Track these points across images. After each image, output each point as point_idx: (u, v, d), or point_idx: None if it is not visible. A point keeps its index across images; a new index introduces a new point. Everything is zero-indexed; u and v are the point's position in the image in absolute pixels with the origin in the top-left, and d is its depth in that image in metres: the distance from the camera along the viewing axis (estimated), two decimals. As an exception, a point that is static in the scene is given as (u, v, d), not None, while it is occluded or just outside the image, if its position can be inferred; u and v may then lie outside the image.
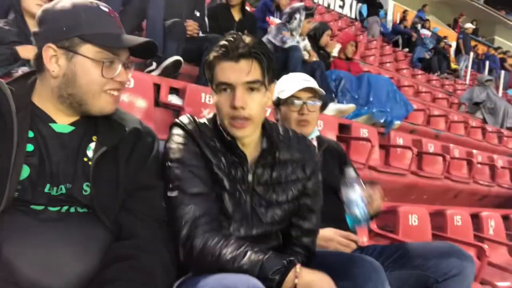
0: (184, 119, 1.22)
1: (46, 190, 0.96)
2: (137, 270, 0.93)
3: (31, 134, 0.99)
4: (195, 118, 1.24)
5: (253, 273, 0.97)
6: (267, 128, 1.26)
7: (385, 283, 1.15)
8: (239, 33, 1.16)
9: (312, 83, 1.76)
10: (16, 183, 0.93)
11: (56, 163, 0.99)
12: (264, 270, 0.98)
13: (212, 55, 1.16)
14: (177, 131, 1.20)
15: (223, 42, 1.14)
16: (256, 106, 1.14)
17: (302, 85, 1.71)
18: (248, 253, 1.01)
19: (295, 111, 1.72)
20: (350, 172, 1.57)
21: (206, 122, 1.24)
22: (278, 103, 1.78)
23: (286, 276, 0.98)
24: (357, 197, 1.46)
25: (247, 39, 1.14)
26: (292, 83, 1.74)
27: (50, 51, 1.00)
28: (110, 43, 1.03)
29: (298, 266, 1.00)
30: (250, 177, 1.21)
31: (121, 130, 1.07)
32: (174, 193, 1.11)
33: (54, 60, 1.00)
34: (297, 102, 1.71)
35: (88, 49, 1.00)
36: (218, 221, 1.11)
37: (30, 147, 0.97)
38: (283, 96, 1.73)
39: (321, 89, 1.74)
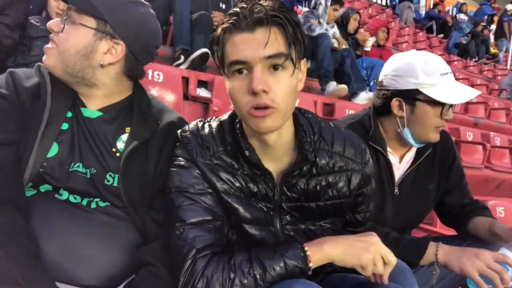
0: (187, 134, 1.01)
1: (71, 168, 0.97)
2: (154, 276, 0.92)
3: (69, 114, 1.02)
4: (204, 125, 1.03)
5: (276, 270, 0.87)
6: (301, 124, 0.99)
7: (414, 286, 1.08)
8: None
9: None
10: (42, 158, 0.95)
11: (83, 146, 1.00)
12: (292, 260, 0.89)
13: (220, 27, 0.89)
14: (178, 150, 1.01)
15: (234, 9, 0.88)
16: (282, 90, 0.87)
17: (470, 93, 1.34)
18: (253, 259, 0.89)
19: (438, 116, 1.35)
20: None
21: (216, 129, 1.01)
22: (411, 96, 1.35)
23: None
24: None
25: (265, 1, 0.87)
26: (445, 78, 1.33)
27: None
28: None
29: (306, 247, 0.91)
30: (276, 195, 1.00)
31: (154, 124, 1.05)
32: (173, 224, 0.94)
33: None
34: (447, 106, 1.34)
35: None
36: (222, 247, 0.94)
37: (65, 126, 1.00)
38: (438, 95, 1.31)
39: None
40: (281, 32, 0.86)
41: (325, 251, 0.90)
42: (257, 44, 0.84)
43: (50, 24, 1.02)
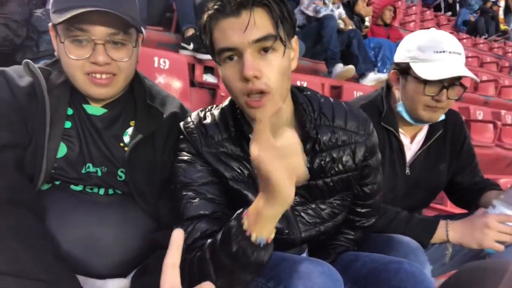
0: (189, 125, 1.00)
1: (83, 170, 0.97)
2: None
3: (70, 111, 0.99)
4: (206, 114, 1.02)
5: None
6: (300, 101, 0.98)
7: (425, 263, 1.09)
8: None
9: (462, 59, 1.28)
10: (53, 160, 0.93)
11: (91, 144, 0.99)
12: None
13: (205, 14, 0.87)
14: (182, 144, 1.00)
15: None
16: (274, 72, 0.85)
17: (454, 70, 1.23)
18: (209, 252, 0.81)
19: (429, 95, 1.29)
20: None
21: (219, 117, 1.00)
22: (404, 70, 1.33)
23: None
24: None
25: None
26: (440, 56, 1.25)
27: (52, 31, 0.98)
28: (61, 15, 0.88)
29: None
30: None
31: (159, 116, 1.03)
32: (175, 223, 0.92)
33: (55, 41, 0.97)
34: (437, 86, 1.26)
35: (60, 28, 0.92)
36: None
37: (68, 124, 0.98)
38: (420, 71, 1.27)
39: (471, 74, 1.25)
40: (267, 13, 0.84)
41: (258, 208, 0.72)
42: (244, 29, 0.82)
43: (103, 59, 0.92)
